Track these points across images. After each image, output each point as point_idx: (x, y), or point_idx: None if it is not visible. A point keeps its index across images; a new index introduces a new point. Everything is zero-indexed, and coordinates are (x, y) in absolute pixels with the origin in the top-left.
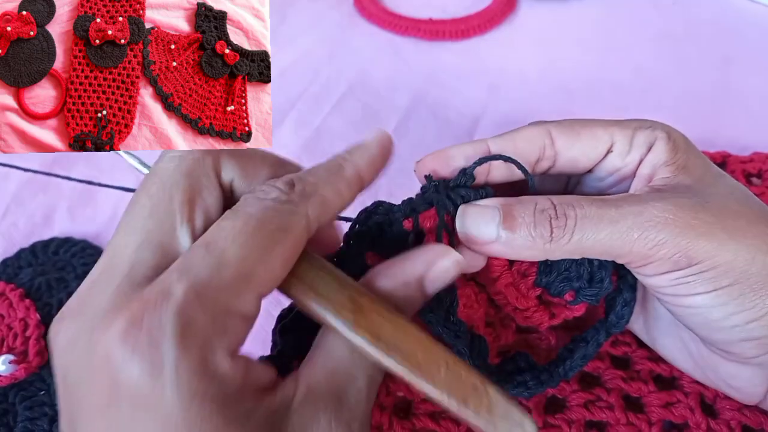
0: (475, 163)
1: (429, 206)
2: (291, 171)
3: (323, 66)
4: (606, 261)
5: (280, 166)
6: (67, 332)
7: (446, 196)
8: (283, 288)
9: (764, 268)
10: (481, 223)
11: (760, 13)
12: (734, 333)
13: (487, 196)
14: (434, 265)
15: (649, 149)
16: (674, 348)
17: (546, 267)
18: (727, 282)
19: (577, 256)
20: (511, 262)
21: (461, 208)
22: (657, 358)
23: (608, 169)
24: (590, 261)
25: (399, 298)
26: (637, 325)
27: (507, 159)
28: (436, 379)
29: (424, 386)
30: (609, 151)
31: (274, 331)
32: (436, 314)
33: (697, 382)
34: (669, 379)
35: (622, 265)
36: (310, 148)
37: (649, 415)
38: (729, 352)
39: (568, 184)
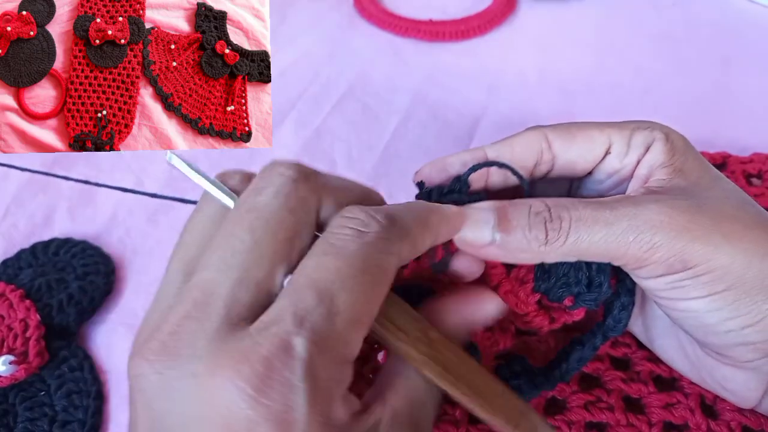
0: (469, 169)
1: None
2: (377, 201)
3: (323, 66)
4: (604, 264)
5: (367, 197)
6: (162, 373)
7: (439, 203)
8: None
9: (760, 273)
10: (476, 227)
11: (760, 13)
12: (729, 337)
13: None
14: (480, 312)
15: (647, 150)
16: (671, 349)
17: (544, 272)
18: (722, 287)
19: (572, 259)
20: (509, 270)
21: (457, 212)
22: (657, 359)
23: (607, 171)
24: (588, 265)
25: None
26: (636, 326)
27: (501, 165)
28: (494, 405)
29: (485, 413)
30: (607, 153)
31: None
32: None
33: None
34: (669, 380)
35: (620, 268)
36: (310, 148)
37: (650, 416)
38: (724, 356)
39: (570, 188)
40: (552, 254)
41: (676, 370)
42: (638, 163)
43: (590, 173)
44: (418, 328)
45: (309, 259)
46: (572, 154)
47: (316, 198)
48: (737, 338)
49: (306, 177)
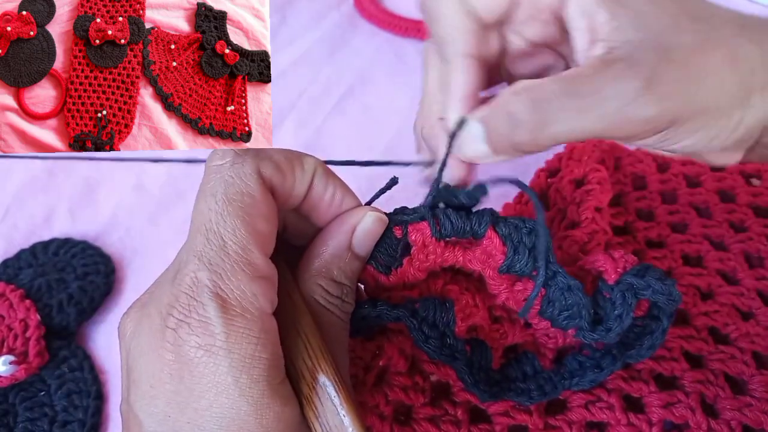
0: (476, 188)
1: (420, 219)
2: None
3: (323, 66)
4: (624, 301)
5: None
6: (131, 323)
7: (434, 214)
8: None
9: (729, 92)
10: (472, 143)
11: (760, 13)
12: (714, 146)
13: (483, 194)
14: (356, 233)
15: None
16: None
17: (549, 303)
18: (703, 122)
19: (563, 141)
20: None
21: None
22: (658, 358)
23: (523, 18)
24: (596, 301)
25: (334, 269)
26: None
27: (516, 183)
28: None
29: None
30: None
31: None
32: (430, 342)
33: (699, 382)
34: (670, 379)
35: (671, 288)
36: (310, 148)
37: (650, 416)
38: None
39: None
40: (537, 141)
41: (677, 369)
42: (552, 9)
43: (510, 21)
44: (309, 363)
45: (194, 208)
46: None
47: (252, 163)
48: (720, 145)
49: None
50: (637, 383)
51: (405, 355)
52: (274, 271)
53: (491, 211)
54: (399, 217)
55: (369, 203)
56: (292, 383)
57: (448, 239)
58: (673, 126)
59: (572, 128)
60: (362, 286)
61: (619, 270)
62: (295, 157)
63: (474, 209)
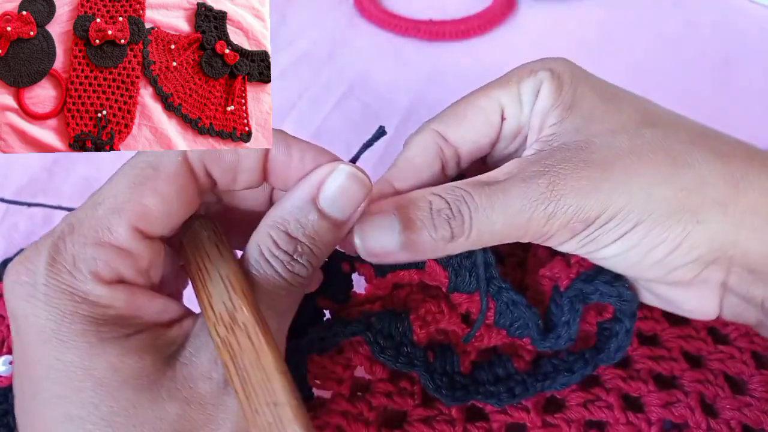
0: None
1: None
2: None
3: (323, 66)
4: (572, 307)
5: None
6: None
7: None
8: (188, 274)
9: (663, 199)
10: (381, 234)
11: (760, 13)
12: (660, 269)
13: None
14: (324, 186)
15: (537, 95)
16: (635, 286)
17: (499, 315)
18: (629, 225)
19: (476, 248)
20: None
21: (358, 225)
22: (657, 357)
23: (509, 135)
24: (552, 309)
25: (291, 222)
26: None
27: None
28: (256, 416)
29: (248, 416)
30: (503, 119)
31: None
32: (386, 353)
33: (698, 381)
34: (669, 378)
35: (621, 289)
36: None
37: (649, 415)
38: (668, 283)
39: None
40: (458, 248)
41: (677, 368)
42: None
43: (496, 141)
44: (226, 303)
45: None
46: (470, 137)
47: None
48: (667, 266)
49: None
50: (636, 383)
51: (380, 362)
52: (144, 249)
53: None
54: (341, 253)
55: (355, 159)
56: (210, 331)
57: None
58: (588, 228)
59: (480, 233)
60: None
61: (571, 276)
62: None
63: None
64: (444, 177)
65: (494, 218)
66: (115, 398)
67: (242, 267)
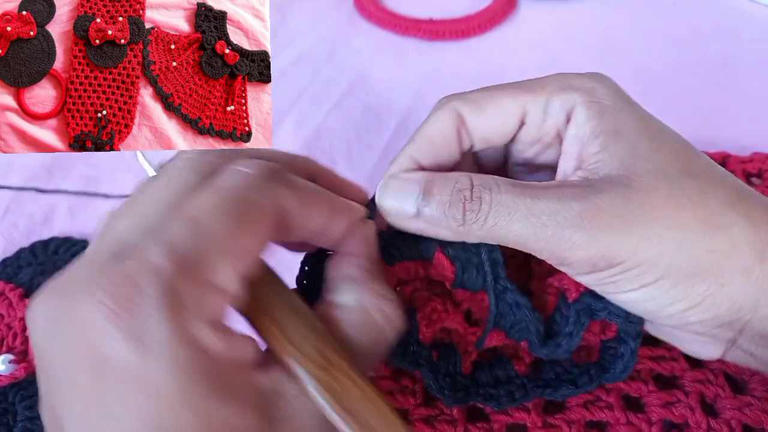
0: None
1: None
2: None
3: (323, 66)
4: (578, 320)
5: (291, 160)
6: (46, 310)
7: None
8: (254, 324)
9: (691, 257)
10: (401, 197)
11: (760, 13)
12: (674, 320)
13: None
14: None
15: (568, 117)
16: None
17: (501, 316)
18: (653, 278)
19: (492, 242)
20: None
21: (384, 180)
22: (657, 357)
23: (526, 140)
24: (555, 318)
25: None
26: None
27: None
28: None
29: None
30: (523, 123)
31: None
32: (393, 352)
33: (699, 381)
34: (669, 379)
35: (620, 314)
36: (310, 148)
37: (649, 415)
38: (677, 328)
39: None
40: (470, 236)
41: (677, 368)
42: (558, 131)
43: (513, 140)
44: (315, 346)
45: (189, 197)
46: (484, 129)
47: (226, 162)
48: (682, 320)
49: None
50: (636, 383)
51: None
52: (236, 291)
53: None
54: None
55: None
56: (300, 373)
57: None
58: (611, 268)
59: (495, 229)
60: None
61: (580, 289)
62: (324, 194)
63: None
64: (461, 155)
65: (515, 218)
66: None
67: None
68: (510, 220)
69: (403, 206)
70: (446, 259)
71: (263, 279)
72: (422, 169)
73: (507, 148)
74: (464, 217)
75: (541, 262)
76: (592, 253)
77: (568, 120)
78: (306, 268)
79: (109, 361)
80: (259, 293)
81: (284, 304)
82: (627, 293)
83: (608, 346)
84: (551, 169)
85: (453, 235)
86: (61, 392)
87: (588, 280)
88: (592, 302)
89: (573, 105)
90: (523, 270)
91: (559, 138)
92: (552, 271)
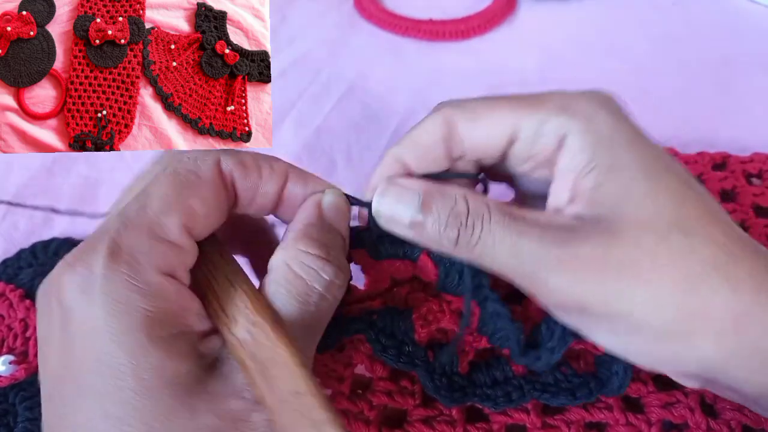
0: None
1: (361, 245)
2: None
3: (323, 66)
4: (562, 337)
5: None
6: (40, 290)
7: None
8: (198, 291)
9: (664, 317)
10: (399, 205)
11: (760, 13)
12: (646, 367)
13: None
14: (323, 204)
15: (560, 144)
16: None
17: (483, 323)
18: (623, 330)
19: (477, 265)
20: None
21: (383, 185)
22: None
23: (519, 156)
24: (541, 330)
25: (321, 229)
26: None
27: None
28: (285, 403)
29: (273, 409)
30: (515, 139)
31: None
32: (388, 352)
33: None
34: (669, 379)
35: None
36: (310, 148)
37: (649, 416)
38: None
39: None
40: (460, 256)
41: None
42: (550, 154)
43: (506, 155)
44: (240, 306)
45: (137, 176)
46: (476, 139)
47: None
48: (652, 367)
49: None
50: (636, 383)
51: (381, 360)
52: (191, 246)
53: None
54: None
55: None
56: (224, 332)
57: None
58: (583, 315)
59: (482, 256)
60: None
61: None
62: (263, 158)
63: None
64: (450, 161)
65: (500, 251)
66: (155, 402)
67: (262, 289)
68: (495, 253)
69: (400, 214)
70: (430, 261)
71: (210, 254)
72: (410, 172)
73: (499, 166)
74: (458, 240)
75: None
76: (567, 299)
77: (559, 145)
78: None
79: (68, 309)
80: (205, 268)
81: (221, 273)
82: (598, 339)
83: (603, 360)
84: (546, 183)
85: (438, 249)
86: (42, 352)
87: (562, 319)
88: None
89: (566, 132)
90: None
91: (551, 161)
92: None
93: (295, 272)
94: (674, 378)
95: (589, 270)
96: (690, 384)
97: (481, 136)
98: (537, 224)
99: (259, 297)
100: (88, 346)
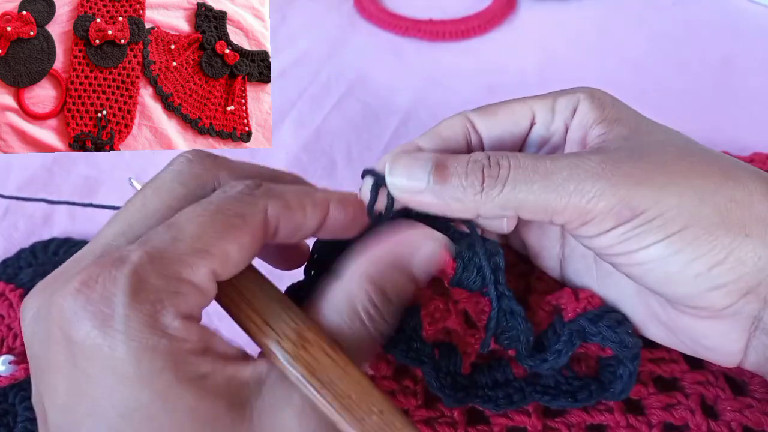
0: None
1: None
2: (287, 180)
3: (323, 66)
4: (570, 339)
5: (276, 177)
6: (32, 305)
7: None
8: (233, 313)
9: (715, 208)
10: (412, 171)
11: (760, 13)
12: (699, 283)
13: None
14: (420, 249)
15: (574, 113)
16: (642, 316)
17: (495, 324)
18: (677, 227)
19: (510, 212)
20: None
21: (392, 156)
22: (658, 360)
23: (536, 142)
24: (548, 333)
25: (388, 282)
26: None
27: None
28: (364, 424)
29: (353, 429)
30: (532, 125)
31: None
32: (397, 347)
33: (699, 383)
34: (670, 381)
35: (623, 336)
36: (310, 148)
37: (650, 417)
38: (698, 308)
39: None
40: (488, 205)
41: (677, 370)
42: (567, 128)
43: (521, 149)
44: (289, 326)
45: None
46: (497, 131)
47: (211, 174)
48: (707, 282)
49: (201, 158)
50: (636, 385)
51: (385, 358)
52: (214, 291)
53: (447, 227)
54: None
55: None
56: (274, 350)
57: None
58: (635, 219)
59: (515, 192)
60: None
61: (577, 310)
62: (305, 195)
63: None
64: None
65: (535, 179)
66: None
67: (316, 316)
68: (529, 182)
69: (414, 180)
70: (449, 254)
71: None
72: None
73: None
74: (483, 184)
75: (540, 277)
76: (614, 203)
77: (573, 115)
78: (315, 256)
79: (80, 344)
80: (235, 282)
81: (258, 289)
82: (650, 248)
83: (607, 363)
84: None
85: (464, 208)
86: (44, 378)
87: (609, 239)
88: (587, 325)
89: (577, 101)
90: (522, 282)
91: (564, 141)
92: (550, 288)
93: (361, 316)
94: (722, 336)
95: (632, 170)
96: (740, 335)
97: (503, 127)
98: (568, 153)
99: (301, 311)
100: (111, 388)
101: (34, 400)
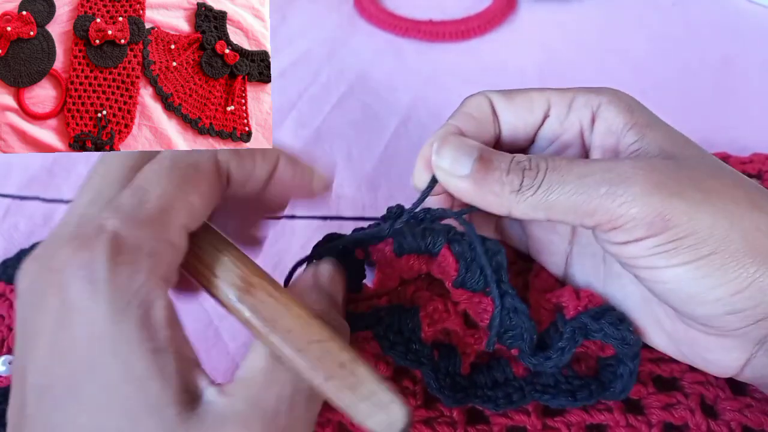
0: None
1: (379, 240)
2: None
3: (323, 66)
4: (572, 337)
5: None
6: (28, 274)
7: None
8: (189, 270)
9: (744, 235)
10: (457, 156)
11: (760, 13)
12: (718, 307)
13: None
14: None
15: (593, 116)
16: (646, 325)
17: (499, 322)
18: (707, 250)
19: (540, 215)
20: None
21: (440, 138)
22: (657, 359)
23: (548, 136)
24: (550, 332)
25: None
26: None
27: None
28: (306, 352)
29: (295, 359)
30: (546, 117)
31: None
32: (396, 349)
33: (699, 383)
34: (669, 380)
35: (625, 333)
36: (310, 149)
37: (649, 417)
38: (710, 326)
39: None
40: (521, 204)
41: (677, 370)
42: (581, 127)
43: (533, 141)
44: (237, 273)
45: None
46: (512, 116)
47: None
48: (727, 306)
49: None
50: (636, 385)
51: (384, 359)
52: (183, 245)
53: (448, 230)
54: (359, 236)
55: (414, 207)
56: (222, 299)
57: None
58: (667, 232)
59: (549, 193)
60: None
61: (579, 308)
62: (258, 149)
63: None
64: (497, 134)
65: (568, 180)
66: (158, 419)
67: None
68: (563, 183)
69: (458, 165)
70: (452, 255)
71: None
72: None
73: (526, 152)
74: (522, 183)
75: (538, 274)
76: (647, 211)
77: (592, 119)
78: (314, 258)
79: (74, 311)
80: (191, 241)
81: (209, 244)
82: (677, 268)
83: (607, 363)
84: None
85: (499, 202)
86: (29, 343)
87: (638, 250)
88: (589, 322)
89: (599, 104)
90: (520, 280)
91: (581, 138)
92: (549, 286)
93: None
94: (725, 351)
95: (668, 180)
96: (742, 353)
97: (518, 112)
98: (603, 158)
99: (251, 261)
100: (89, 350)
101: (13, 367)
